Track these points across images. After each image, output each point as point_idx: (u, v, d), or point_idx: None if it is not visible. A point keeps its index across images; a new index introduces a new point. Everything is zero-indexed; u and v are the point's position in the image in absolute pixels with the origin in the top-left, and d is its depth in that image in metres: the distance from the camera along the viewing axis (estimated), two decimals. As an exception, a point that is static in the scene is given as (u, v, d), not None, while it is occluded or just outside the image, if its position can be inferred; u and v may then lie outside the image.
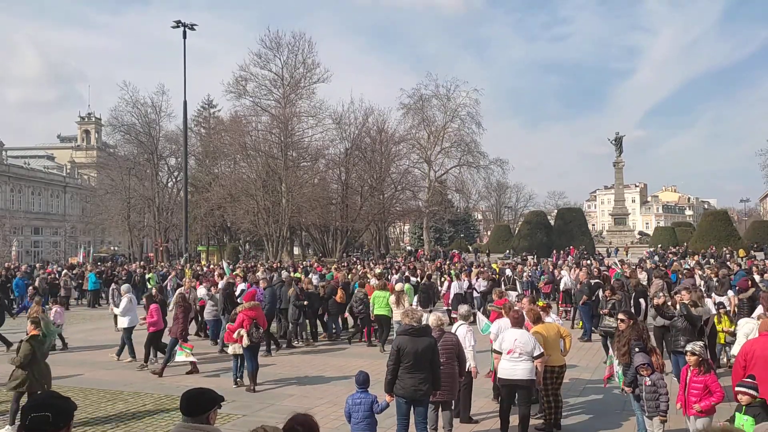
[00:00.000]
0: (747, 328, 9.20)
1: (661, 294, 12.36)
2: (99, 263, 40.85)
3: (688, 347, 6.81)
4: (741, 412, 5.52)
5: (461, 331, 8.25)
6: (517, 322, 7.80)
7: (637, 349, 7.44)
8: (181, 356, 11.67)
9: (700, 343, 7.23)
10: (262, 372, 12.00)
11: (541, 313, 8.62)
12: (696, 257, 34.72)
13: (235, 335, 10.53)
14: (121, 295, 13.98)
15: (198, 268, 31.11)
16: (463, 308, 9.00)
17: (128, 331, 13.34)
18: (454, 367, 7.36)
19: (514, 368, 7.41)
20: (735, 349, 9.04)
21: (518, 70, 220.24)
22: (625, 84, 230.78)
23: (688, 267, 23.99)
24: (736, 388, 5.75)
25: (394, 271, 26.21)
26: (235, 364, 10.92)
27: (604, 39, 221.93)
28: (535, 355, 7.44)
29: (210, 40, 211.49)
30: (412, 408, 6.76)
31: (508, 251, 51.78)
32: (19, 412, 2.97)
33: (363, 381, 6.33)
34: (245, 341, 10.38)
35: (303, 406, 9.07)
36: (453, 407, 7.72)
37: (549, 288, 22.36)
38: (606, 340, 12.24)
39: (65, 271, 28.18)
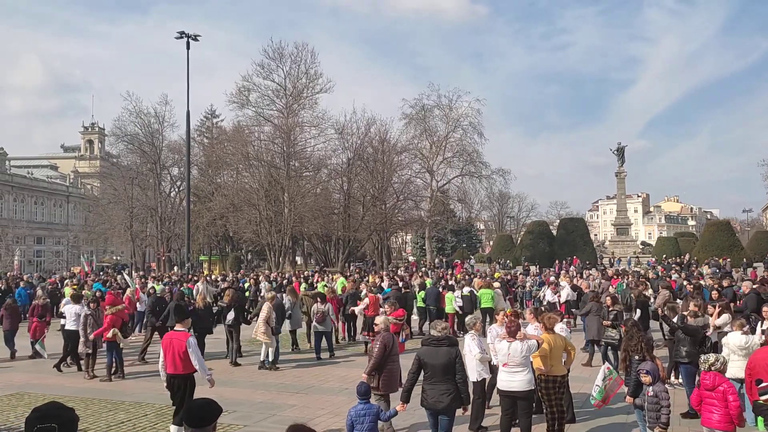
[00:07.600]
0: (740, 340, 8.42)
1: (671, 305, 12.29)
2: (101, 273, 40.91)
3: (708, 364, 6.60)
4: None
5: (466, 339, 8.42)
6: (511, 333, 7.75)
7: (636, 358, 7.43)
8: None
9: (705, 356, 7.08)
10: (264, 382, 12.02)
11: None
12: (699, 268, 34.64)
13: (109, 334, 12.21)
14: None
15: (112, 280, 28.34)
16: (469, 317, 9.04)
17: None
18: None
19: (512, 380, 7.45)
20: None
21: (518, 80, 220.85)
22: (626, 94, 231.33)
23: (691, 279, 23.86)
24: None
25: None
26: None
27: (604, 49, 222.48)
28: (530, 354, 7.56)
29: (210, 50, 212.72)
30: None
31: (477, 258, 52.12)
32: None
33: (364, 392, 6.32)
34: (120, 339, 12.36)
35: (304, 416, 9.07)
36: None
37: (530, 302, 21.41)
38: (607, 350, 12.23)
39: (68, 280, 28.19)
